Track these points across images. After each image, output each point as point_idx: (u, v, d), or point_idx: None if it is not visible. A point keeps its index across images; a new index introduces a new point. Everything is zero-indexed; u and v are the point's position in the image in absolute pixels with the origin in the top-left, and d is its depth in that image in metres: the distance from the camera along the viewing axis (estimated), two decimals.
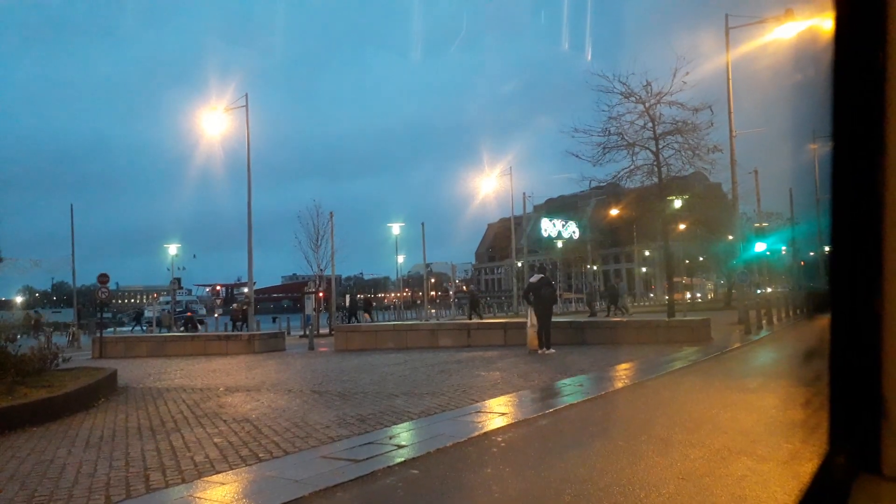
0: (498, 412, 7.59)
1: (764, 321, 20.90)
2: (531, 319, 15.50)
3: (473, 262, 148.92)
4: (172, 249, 46.07)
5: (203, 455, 5.91)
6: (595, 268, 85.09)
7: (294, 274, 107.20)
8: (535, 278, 15.89)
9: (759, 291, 27.72)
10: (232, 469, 5.37)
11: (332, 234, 30.27)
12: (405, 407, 8.08)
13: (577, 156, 22.42)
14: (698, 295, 66.28)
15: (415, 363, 13.86)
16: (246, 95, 27.01)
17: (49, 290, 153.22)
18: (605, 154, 22.29)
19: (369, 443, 6.10)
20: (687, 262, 73.80)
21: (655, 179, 22.52)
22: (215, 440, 6.58)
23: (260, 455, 5.81)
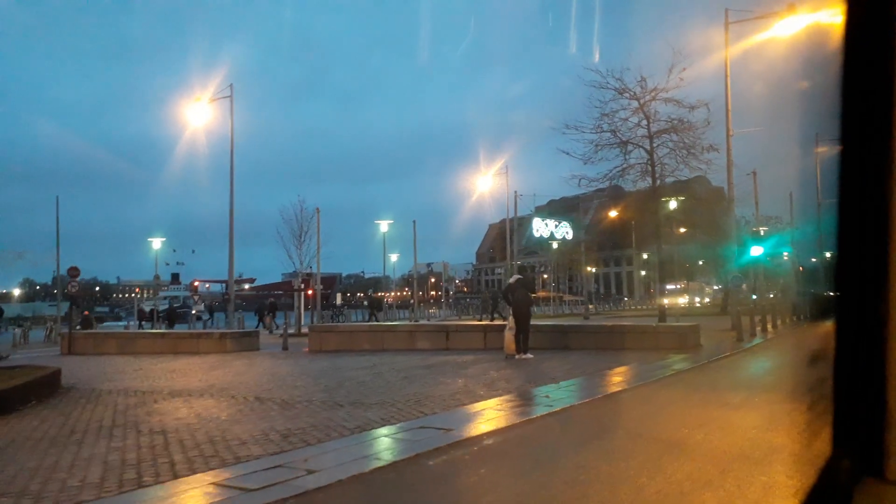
0: (442, 428, 6.77)
1: (759, 328, 20.08)
2: (510, 322, 14.79)
3: (474, 262, 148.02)
4: (156, 244, 44.99)
5: (80, 477, 5.10)
6: (594, 269, 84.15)
7: (295, 271, 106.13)
8: (513, 279, 15.30)
9: (753, 297, 26.84)
10: (100, 497, 4.56)
11: (318, 229, 29.47)
12: (343, 420, 7.27)
13: (567, 153, 21.60)
14: (697, 299, 65.26)
15: (382, 367, 13.05)
16: (231, 86, 26.21)
17: (49, 282, 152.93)
18: (597, 152, 21.46)
19: (278, 465, 5.28)
20: (687, 265, 72.88)
21: (649, 179, 21.68)
22: (110, 457, 5.78)
23: (144, 479, 5.00)
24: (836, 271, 1.80)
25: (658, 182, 21.42)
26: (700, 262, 59.94)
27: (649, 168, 21.41)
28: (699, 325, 16.16)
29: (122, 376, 13.36)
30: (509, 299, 14.88)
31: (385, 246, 48.51)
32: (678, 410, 7.91)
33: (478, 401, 8.46)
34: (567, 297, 68.89)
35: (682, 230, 46.90)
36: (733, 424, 7.04)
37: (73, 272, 22.99)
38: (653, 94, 20.99)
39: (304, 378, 11.73)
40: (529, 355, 13.95)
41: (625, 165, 21.37)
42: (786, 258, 42.23)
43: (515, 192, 40.29)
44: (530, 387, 9.63)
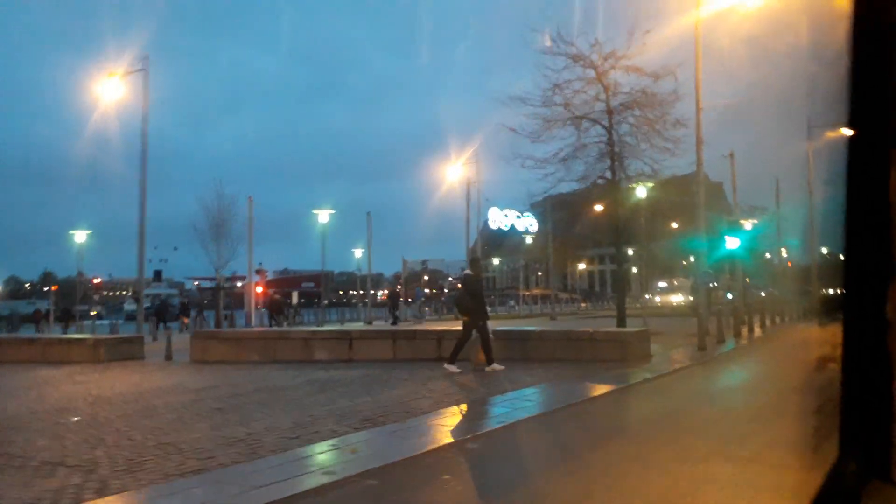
0: None
1: (732, 332, 17.25)
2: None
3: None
4: (80, 237, 41.84)
5: None
6: (584, 266, 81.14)
7: (285, 269, 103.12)
8: (463, 273, 13.03)
9: (728, 296, 23.93)
10: None
11: (250, 223, 26.65)
12: None
13: (513, 130, 18.65)
14: (691, 298, 62.13)
15: (225, 389, 10.22)
16: (146, 56, 23.27)
17: (36, 280, 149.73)
18: (547, 129, 18.49)
19: None
20: (683, 263, 69.57)
21: (608, 161, 18.74)
22: None
23: None
24: (845, 270, 1.70)
25: (616, 163, 18.43)
26: (692, 258, 56.75)
27: (608, 148, 18.44)
28: (647, 332, 13.24)
29: None
30: None
31: (325, 241, 45.96)
32: (533, 483, 4.99)
33: (239, 462, 5.56)
34: (563, 295, 66.01)
35: (674, 225, 43.98)
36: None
37: None
38: (611, 60, 18.02)
39: (99, 406, 8.86)
40: (455, 368, 11.17)
41: (578, 144, 18.38)
42: (784, 254, 39.32)
43: (468, 179, 37.39)
44: (358, 429, 6.73)
